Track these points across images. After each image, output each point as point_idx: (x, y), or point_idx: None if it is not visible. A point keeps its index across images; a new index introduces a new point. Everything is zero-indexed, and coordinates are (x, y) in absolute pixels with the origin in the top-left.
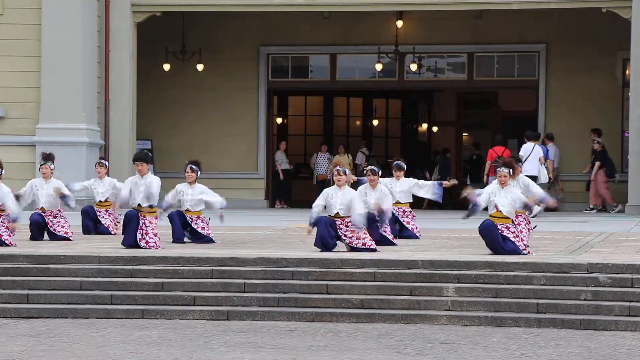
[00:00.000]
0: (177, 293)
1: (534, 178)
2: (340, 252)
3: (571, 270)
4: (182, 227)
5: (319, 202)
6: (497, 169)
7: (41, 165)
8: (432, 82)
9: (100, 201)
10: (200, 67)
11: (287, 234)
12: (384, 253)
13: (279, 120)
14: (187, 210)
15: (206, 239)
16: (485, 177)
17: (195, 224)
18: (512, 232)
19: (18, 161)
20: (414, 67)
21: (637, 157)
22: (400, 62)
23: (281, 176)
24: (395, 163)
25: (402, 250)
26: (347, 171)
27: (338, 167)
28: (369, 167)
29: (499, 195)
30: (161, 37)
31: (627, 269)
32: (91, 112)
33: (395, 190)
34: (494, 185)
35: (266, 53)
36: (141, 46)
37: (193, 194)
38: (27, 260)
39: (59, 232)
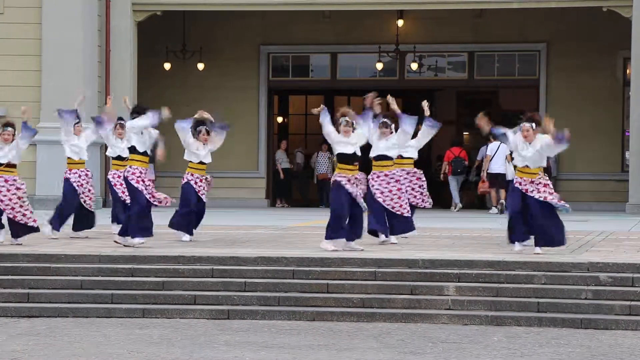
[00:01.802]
0: (178, 292)
1: (502, 175)
2: (340, 252)
3: (572, 269)
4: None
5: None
6: (520, 125)
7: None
8: (432, 81)
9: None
10: (200, 66)
11: (287, 233)
12: (385, 252)
13: (280, 119)
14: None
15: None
16: (442, 175)
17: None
18: (541, 183)
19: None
20: (414, 66)
21: (637, 156)
22: (400, 61)
23: (281, 175)
24: (381, 121)
25: (402, 250)
26: (355, 122)
27: (346, 118)
28: (381, 120)
29: (525, 150)
30: (162, 37)
31: (627, 268)
32: (92, 112)
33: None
34: (518, 137)
35: (267, 52)
36: (142, 45)
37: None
38: (28, 259)
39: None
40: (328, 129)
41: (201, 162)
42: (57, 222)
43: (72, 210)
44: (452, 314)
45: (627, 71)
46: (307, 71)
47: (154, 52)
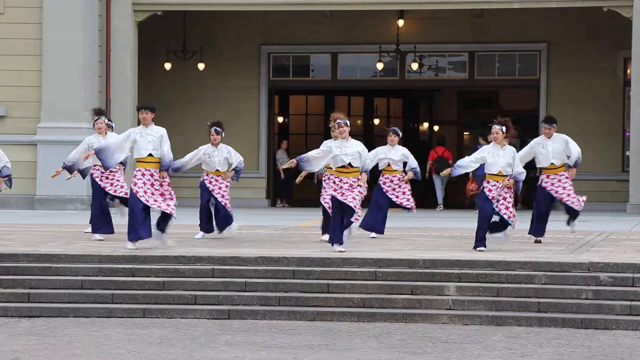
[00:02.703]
0: (178, 292)
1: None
2: (341, 252)
3: (572, 269)
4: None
5: (318, 150)
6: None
7: (95, 120)
8: (433, 81)
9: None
10: (201, 66)
11: (288, 233)
12: (385, 252)
13: (280, 119)
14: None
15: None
16: (427, 174)
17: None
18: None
19: (19, 160)
20: (415, 66)
21: (638, 156)
22: (401, 61)
23: (282, 175)
24: (392, 128)
25: (403, 250)
26: (349, 122)
27: (339, 120)
28: (391, 128)
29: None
30: (162, 36)
31: (628, 268)
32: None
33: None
34: (489, 146)
35: (267, 52)
36: (142, 45)
37: (219, 155)
38: (28, 259)
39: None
40: (320, 160)
41: (217, 170)
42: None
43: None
44: (453, 314)
45: (628, 71)
46: (307, 71)
47: (154, 52)
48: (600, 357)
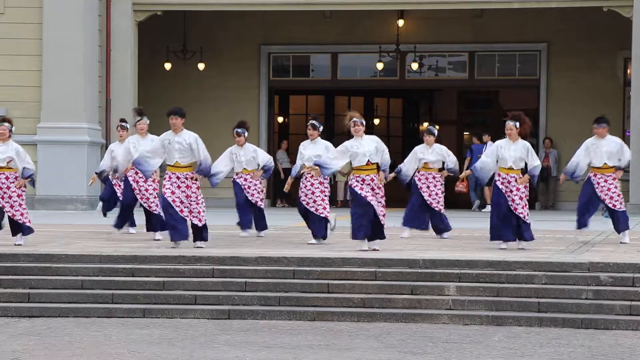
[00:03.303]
0: (178, 292)
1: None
2: (341, 252)
3: (572, 269)
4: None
5: (337, 155)
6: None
7: (137, 121)
8: (433, 81)
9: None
10: (201, 66)
11: (288, 232)
12: (385, 252)
13: (280, 119)
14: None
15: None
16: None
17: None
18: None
19: None
20: (415, 66)
21: (638, 156)
22: (401, 61)
23: (282, 175)
24: (427, 128)
25: (403, 250)
26: (364, 122)
27: (355, 119)
28: (426, 129)
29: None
30: (162, 36)
31: (628, 268)
32: (92, 111)
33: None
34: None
35: (267, 52)
36: (142, 45)
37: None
38: (28, 259)
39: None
40: (338, 160)
41: (245, 169)
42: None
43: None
44: (453, 313)
45: (628, 71)
46: (307, 71)
47: (154, 52)
48: (600, 357)
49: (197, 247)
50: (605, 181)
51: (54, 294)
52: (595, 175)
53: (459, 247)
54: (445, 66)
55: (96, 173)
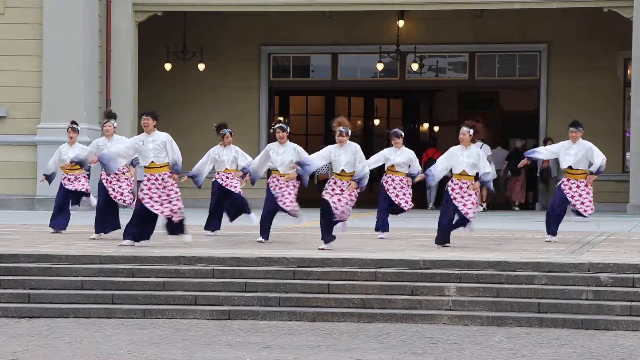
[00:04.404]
0: (179, 292)
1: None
2: (341, 252)
3: (572, 270)
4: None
5: (319, 157)
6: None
7: (104, 122)
8: (433, 81)
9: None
10: (201, 66)
11: (288, 233)
12: (385, 253)
13: (280, 119)
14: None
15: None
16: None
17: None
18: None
19: (19, 160)
20: (415, 66)
21: (638, 156)
22: (401, 61)
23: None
24: (393, 130)
25: (403, 250)
26: (349, 131)
27: (340, 128)
28: (393, 131)
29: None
30: (162, 37)
31: (628, 268)
32: (92, 112)
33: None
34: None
35: (267, 53)
36: (142, 46)
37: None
38: (29, 260)
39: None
40: (319, 162)
41: (226, 169)
42: None
43: None
44: (453, 314)
45: (628, 71)
46: (307, 71)
47: (154, 52)
48: (600, 358)
49: (185, 243)
50: (578, 187)
51: (54, 295)
52: (568, 180)
53: (459, 248)
54: (445, 67)
55: (45, 175)
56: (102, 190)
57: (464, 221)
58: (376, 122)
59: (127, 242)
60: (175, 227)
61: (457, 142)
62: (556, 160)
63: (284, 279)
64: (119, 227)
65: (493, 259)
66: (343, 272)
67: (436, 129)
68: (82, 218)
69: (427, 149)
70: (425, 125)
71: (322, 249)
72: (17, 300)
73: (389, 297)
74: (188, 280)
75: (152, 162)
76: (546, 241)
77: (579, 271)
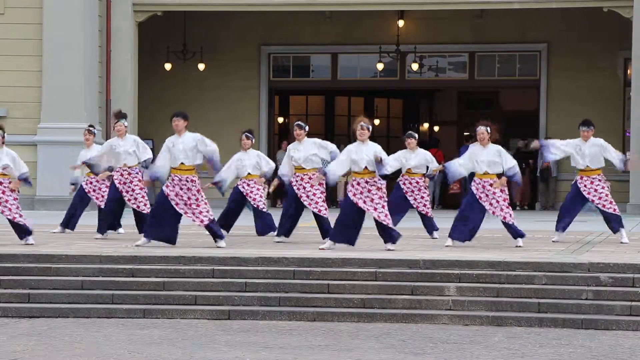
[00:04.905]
0: (179, 292)
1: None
2: (341, 252)
3: (572, 269)
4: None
5: (341, 158)
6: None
7: (115, 123)
8: (433, 81)
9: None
10: (201, 66)
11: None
12: (385, 253)
13: (280, 119)
14: (249, 174)
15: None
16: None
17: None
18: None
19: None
20: (415, 66)
21: (638, 156)
22: (401, 61)
23: None
24: (407, 132)
25: (403, 250)
26: (370, 127)
27: (362, 123)
28: (407, 133)
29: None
30: (162, 37)
31: (628, 268)
32: (92, 112)
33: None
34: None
35: (267, 52)
36: (142, 46)
37: (249, 159)
38: (28, 260)
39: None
40: (337, 169)
41: (249, 174)
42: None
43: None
44: (453, 314)
45: (628, 71)
46: (307, 71)
47: (154, 52)
48: (600, 358)
49: (219, 247)
50: (592, 183)
51: (54, 295)
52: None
53: (459, 248)
54: (445, 67)
55: (72, 184)
56: (114, 192)
57: (510, 228)
58: (376, 122)
59: (141, 241)
60: (211, 232)
61: (457, 142)
62: (556, 160)
63: (284, 278)
64: (120, 227)
65: (493, 258)
66: (343, 272)
67: (436, 128)
68: (82, 218)
69: (429, 150)
70: (425, 125)
71: (322, 248)
72: (17, 300)
73: (389, 297)
74: (188, 280)
75: (182, 163)
76: (553, 241)
77: (579, 271)
